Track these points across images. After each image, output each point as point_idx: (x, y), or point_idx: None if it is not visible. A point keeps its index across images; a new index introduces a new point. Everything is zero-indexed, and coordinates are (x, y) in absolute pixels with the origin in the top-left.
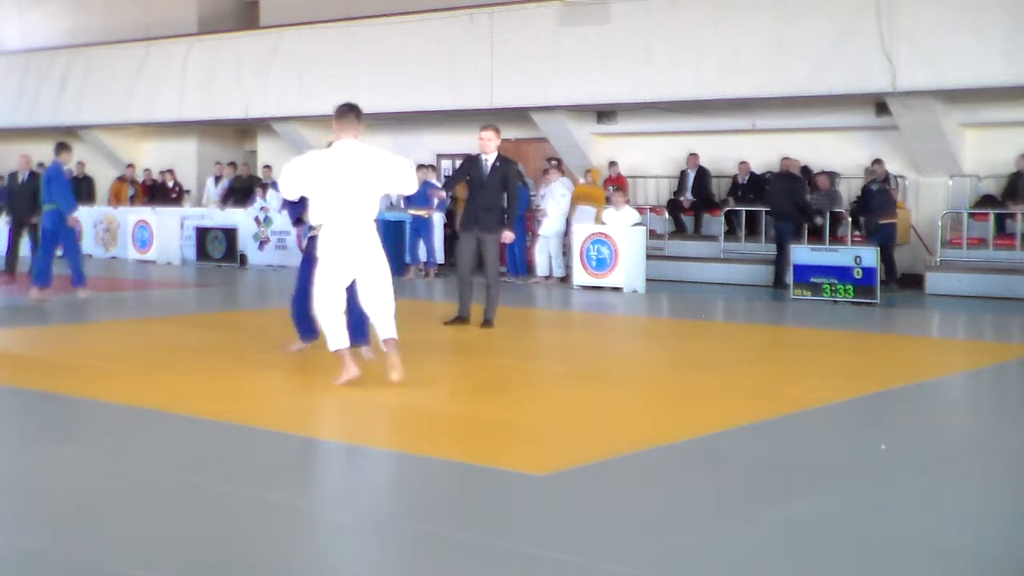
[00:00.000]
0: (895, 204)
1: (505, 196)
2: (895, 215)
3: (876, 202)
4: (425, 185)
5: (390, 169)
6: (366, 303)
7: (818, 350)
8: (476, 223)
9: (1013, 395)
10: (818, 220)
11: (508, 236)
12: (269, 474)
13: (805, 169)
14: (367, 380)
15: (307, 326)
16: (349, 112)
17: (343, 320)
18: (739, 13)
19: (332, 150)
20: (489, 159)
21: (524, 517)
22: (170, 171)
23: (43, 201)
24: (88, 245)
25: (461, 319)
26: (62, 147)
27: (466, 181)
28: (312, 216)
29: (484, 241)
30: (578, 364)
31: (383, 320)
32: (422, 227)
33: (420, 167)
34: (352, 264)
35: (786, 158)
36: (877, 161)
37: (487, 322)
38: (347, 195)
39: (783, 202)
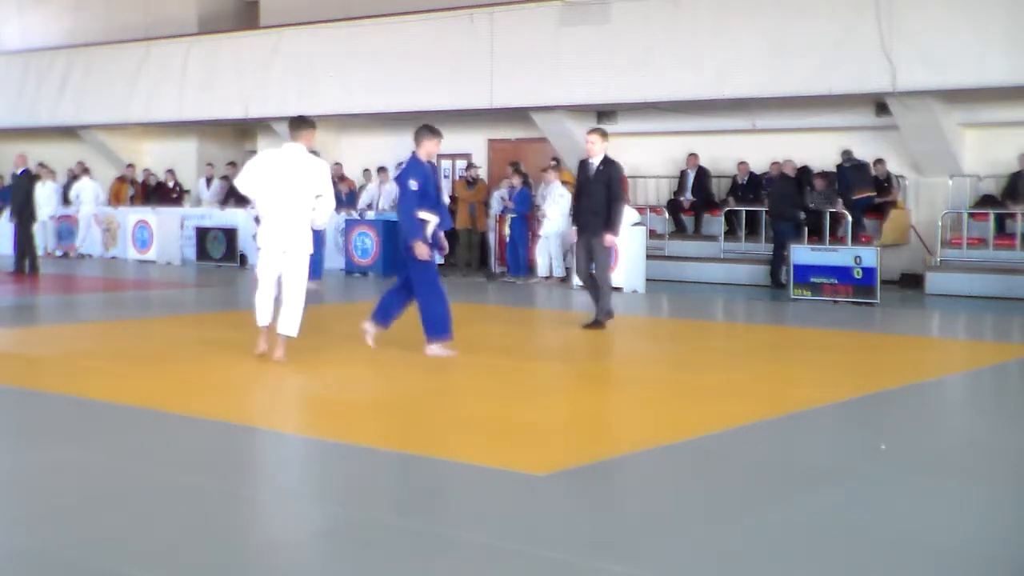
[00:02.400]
0: (871, 180)
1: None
2: (872, 189)
3: (852, 179)
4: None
5: (322, 189)
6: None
7: (818, 350)
8: (585, 227)
9: (1013, 395)
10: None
11: (609, 240)
12: (269, 474)
13: (804, 169)
14: (367, 381)
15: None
16: (304, 124)
17: (269, 301)
18: (739, 13)
19: (283, 151)
20: (595, 162)
21: (524, 517)
22: (170, 171)
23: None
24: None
25: (598, 323)
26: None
27: (576, 184)
28: (259, 208)
29: (591, 245)
30: (578, 364)
31: (285, 315)
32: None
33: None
34: (280, 257)
35: (776, 162)
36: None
37: (596, 323)
38: (287, 194)
39: (782, 204)
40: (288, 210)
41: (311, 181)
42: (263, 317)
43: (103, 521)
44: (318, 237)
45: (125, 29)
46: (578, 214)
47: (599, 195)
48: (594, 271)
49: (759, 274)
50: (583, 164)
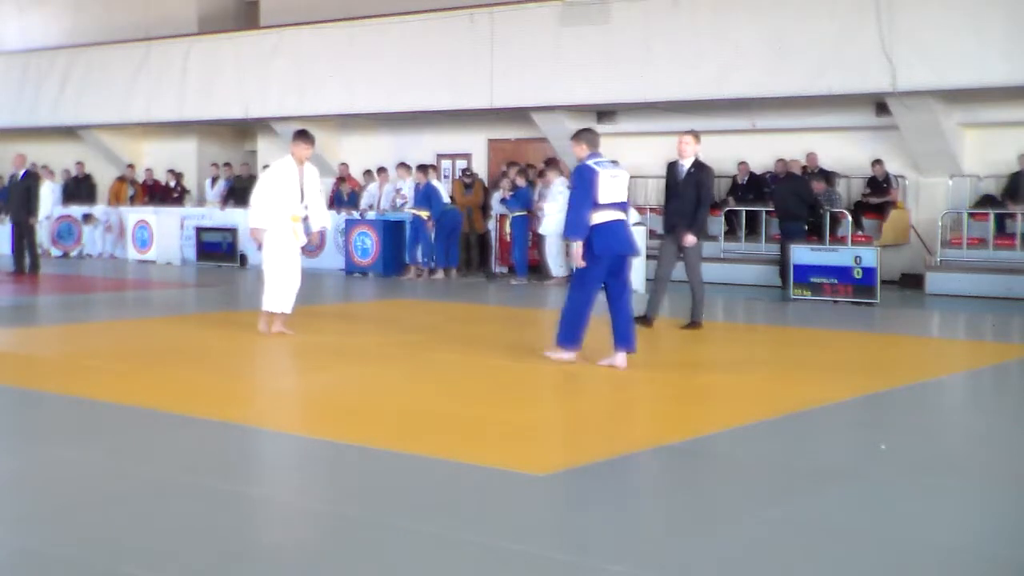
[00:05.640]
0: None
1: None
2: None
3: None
4: (427, 187)
5: (317, 195)
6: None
7: (818, 350)
8: (675, 228)
9: (1013, 395)
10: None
11: (688, 239)
12: (269, 474)
13: (804, 169)
14: (368, 382)
15: (569, 335)
16: (309, 137)
17: (283, 287)
18: (739, 13)
19: (291, 164)
20: (685, 164)
21: (524, 517)
22: (171, 171)
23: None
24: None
25: (646, 319)
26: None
27: (666, 188)
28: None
29: (683, 245)
30: (578, 364)
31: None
32: (422, 228)
33: (421, 167)
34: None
35: (780, 159)
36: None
37: (694, 323)
38: (298, 202)
39: (789, 203)
40: (296, 217)
41: (310, 192)
42: (275, 304)
43: (103, 521)
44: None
45: (125, 29)
46: (667, 216)
47: (689, 197)
48: (687, 272)
49: (759, 274)
50: (672, 166)
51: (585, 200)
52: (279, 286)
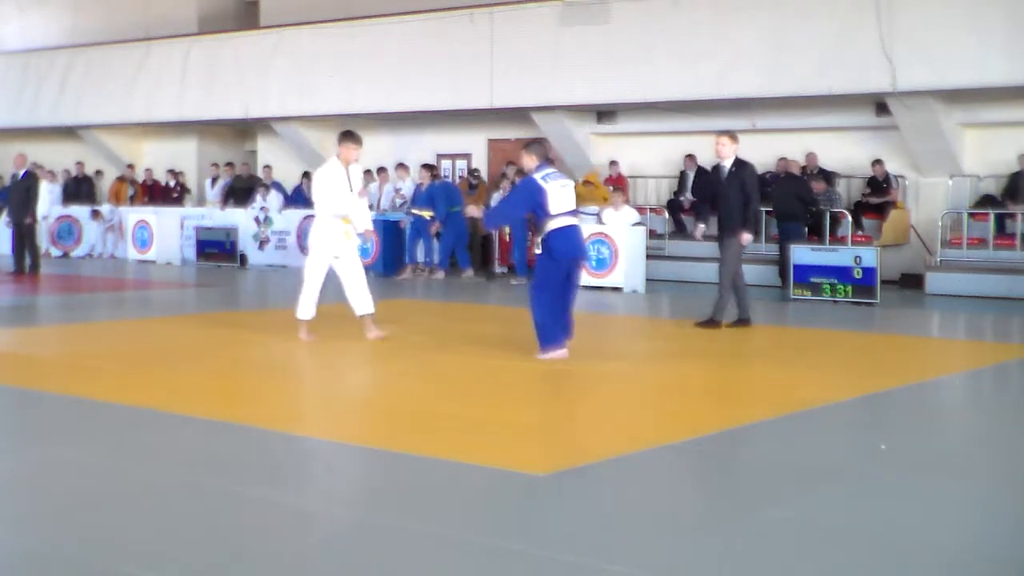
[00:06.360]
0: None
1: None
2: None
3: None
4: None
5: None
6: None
7: (818, 350)
8: (721, 229)
9: (1013, 395)
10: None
11: (745, 238)
12: (268, 474)
13: (804, 169)
14: (367, 382)
15: (548, 337)
16: (356, 138)
17: (317, 296)
18: (739, 13)
19: (338, 166)
20: (727, 164)
21: (524, 517)
22: (170, 171)
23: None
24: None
25: (743, 321)
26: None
27: (711, 189)
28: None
29: (725, 245)
30: (578, 364)
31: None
32: (422, 227)
33: (427, 167)
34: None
35: (782, 158)
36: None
37: (743, 321)
38: (349, 204)
39: (788, 203)
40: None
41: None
42: (309, 311)
43: (103, 521)
44: None
45: (125, 29)
46: (720, 219)
47: (735, 197)
48: (720, 271)
49: (759, 274)
50: (716, 169)
51: (516, 207)
52: (316, 294)
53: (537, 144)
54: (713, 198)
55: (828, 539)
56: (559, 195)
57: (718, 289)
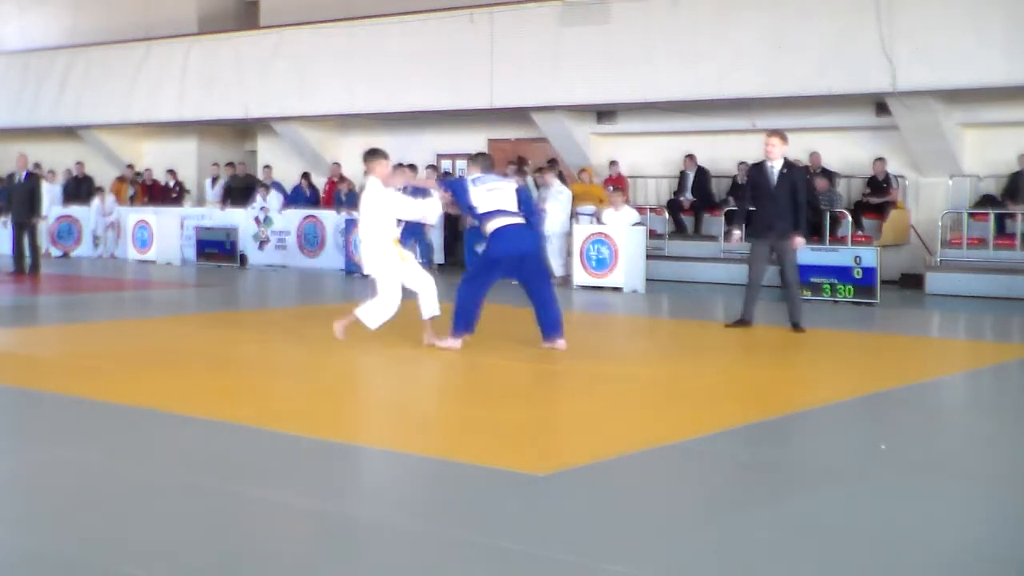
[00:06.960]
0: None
1: (795, 202)
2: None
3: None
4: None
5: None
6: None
7: (818, 350)
8: (770, 231)
9: (1013, 395)
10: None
11: (799, 242)
12: (268, 474)
13: (806, 169)
14: (366, 382)
15: (461, 323)
16: (385, 153)
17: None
18: (739, 13)
19: (380, 185)
20: (775, 165)
21: (524, 517)
22: (170, 171)
23: None
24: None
25: (744, 322)
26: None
27: (752, 190)
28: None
29: (780, 249)
30: (578, 364)
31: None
32: (418, 227)
33: (431, 168)
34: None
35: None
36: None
37: (796, 326)
38: (396, 225)
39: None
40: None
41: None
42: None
43: (103, 521)
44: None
45: (125, 29)
46: (759, 219)
47: (783, 199)
48: (785, 275)
49: None
50: (759, 168)
51: (460, 190)
52: (394, 306)
53: (481, 156)
54: (752, 199)
55: (828, 539)
56: (485, 197)
57: (788, 292)
